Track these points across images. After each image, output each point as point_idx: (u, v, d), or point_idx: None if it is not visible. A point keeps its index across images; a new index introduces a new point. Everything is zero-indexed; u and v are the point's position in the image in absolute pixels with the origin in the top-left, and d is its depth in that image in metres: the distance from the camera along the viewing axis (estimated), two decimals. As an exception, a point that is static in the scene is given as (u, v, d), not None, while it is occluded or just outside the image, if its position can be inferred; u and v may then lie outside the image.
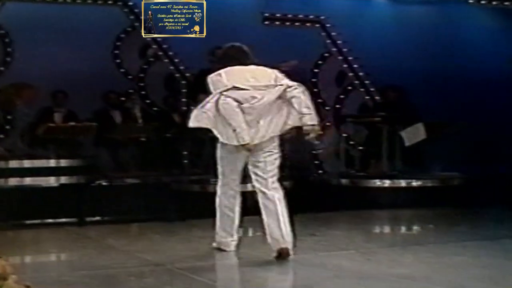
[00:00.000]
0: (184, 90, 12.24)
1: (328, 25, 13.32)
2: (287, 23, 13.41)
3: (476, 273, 5.93)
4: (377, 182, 10.84)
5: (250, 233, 7.95)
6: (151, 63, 13.05)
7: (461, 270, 6.01)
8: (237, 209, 6.75)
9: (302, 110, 6.44)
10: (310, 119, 6.46)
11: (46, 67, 11.99)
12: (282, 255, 6.35)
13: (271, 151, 6.55)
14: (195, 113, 6.54)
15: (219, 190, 6.76)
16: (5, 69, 12.34)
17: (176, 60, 12.64)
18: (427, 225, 8.99)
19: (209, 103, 6.48)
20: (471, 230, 8.08)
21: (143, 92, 12.99)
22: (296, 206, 10.18)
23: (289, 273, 5.97)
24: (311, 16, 13.39)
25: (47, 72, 11.92)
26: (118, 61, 12.97)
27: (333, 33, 13.32)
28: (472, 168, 11.20)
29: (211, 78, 6.63)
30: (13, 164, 10.07)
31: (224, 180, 6.70)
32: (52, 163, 10.27)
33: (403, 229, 9.17)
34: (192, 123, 6.56)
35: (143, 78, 13.05)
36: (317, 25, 13.38)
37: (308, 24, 13.44)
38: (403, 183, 10.77)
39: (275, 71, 6.69)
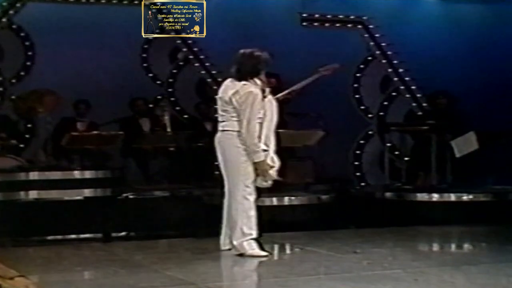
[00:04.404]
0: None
1: (371, 26, 13.27)
2: (327, 24, 13.38)
3: (533, 295, 5.88)
4: (425, 196, 10.77)
5: (288, 250, 7.93)
6: (182, 68, 13.11)
7: (517, 292, 5.96)
8: None
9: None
10: None
11: (69, 72, 12.09)
12: None
13: None
14: None
15: None
16: (25, 74, 12.45)
17: (208, 64, 12.67)
18: (479, 243, 8.92)
19: None
20: (528, 249, 8.01)
21: (173, 99, 13.05)
22: (337, 221, 10.28)
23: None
24: (352, 17, 13.35)
25: (70, 77, 12.01)
26: (146, 65, 13.05)
27: (376, 35, 13.27)
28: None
29: None
30: (34, 175, 10.16)
31: None
32: (76, 175, 10.36)
33: (454, 247, 9.10)
34: None
35: (173, 84, 13.11)
36: (359, 26, 13.33)
37: (349, 25, 13.39)
38: (453, 197, 10.69)
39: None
